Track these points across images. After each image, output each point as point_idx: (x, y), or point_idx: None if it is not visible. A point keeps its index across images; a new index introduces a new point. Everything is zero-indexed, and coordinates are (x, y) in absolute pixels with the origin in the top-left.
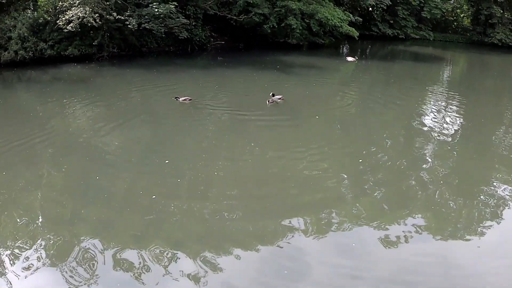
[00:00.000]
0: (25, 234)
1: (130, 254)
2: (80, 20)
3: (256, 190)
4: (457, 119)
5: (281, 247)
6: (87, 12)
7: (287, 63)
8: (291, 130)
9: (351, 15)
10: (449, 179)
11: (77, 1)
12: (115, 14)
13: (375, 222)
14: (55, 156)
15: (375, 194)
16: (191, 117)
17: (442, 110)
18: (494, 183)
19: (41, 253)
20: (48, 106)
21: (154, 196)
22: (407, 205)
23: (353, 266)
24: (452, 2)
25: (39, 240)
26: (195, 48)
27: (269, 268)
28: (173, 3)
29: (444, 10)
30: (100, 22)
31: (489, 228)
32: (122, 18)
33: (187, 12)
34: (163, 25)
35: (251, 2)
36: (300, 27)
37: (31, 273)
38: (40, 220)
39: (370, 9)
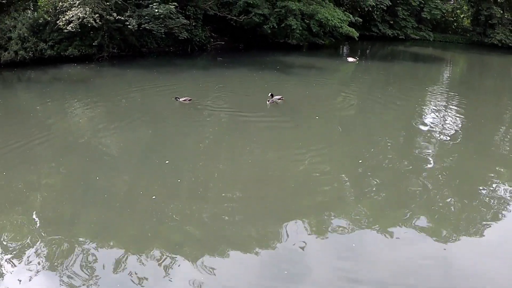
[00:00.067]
0: (25, 234)
1: (129, 256)
2: (80, 20)
3: (256, 191)
4: (457, 119)
5: (281, 250)
6: (87, 12)
7: (287, 63)
8: (291, 130)
9: (351, 16)
10: (449, 179)
11: (77, 2)
12: (115, 14)
13: (375, 223)
14: (55, 157)
15: (375, 195)
16: (191, 117)
17: (442, 110)
18: (494, 183)
19: (40, 254)
20: (48, 107)
21: (154, 197)
22: (407, 205)
23: (353, 268)
24: (452, 2)
25: (39, 241)
26: (195, 48)
27: (268, 271)
28: (173, 3)
29: (444, 11)
30: (100, 23)
31: (489, 228)
32: (122, 18)
33: (187, 13)
34: (163, 25)
35: (251, 2)
36: (300, 28)
37: (30, 274)
38: (40, 221)
39: (370, 9)
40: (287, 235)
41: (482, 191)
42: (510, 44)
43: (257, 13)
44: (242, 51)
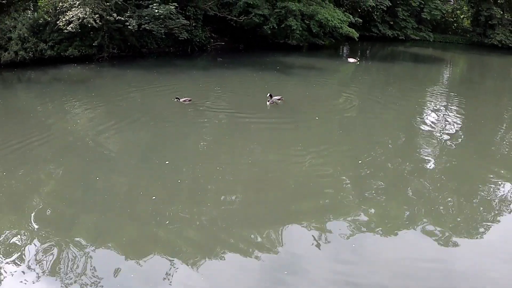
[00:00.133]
0: (24, 235)
1: (129, 260)
2: (80, 20)
3: (256, 192)
4: (457, 119)
5: (281, 253)
6: (87, 13)
7: (287, 64)
8: (291, 131)
9: (351, 16)
10: (449, 180)
11: (77, 2)
12: (115, 15)
13: (376, 224)
14: (55, 157)
15: (376, 196)
16: (191, 118)
17: (442, 110)
18: (495, 184)
19: (39, 256)
20: (48, 107)
21: (154, 197)
22: (407, 206)
23: (353, 270)
24: (452, 3)
25: (38, 243)
26: (195, 49)
27: (268, 274)
28: (173, 4)
29: (444, 11)
30: (100, 23)
31: (490, 229)
32: (122, 19)
33: (187, 13)
34: (163, 26)
35: (251, 3)
36: (300, 28)
37: (29, 275)
38: (40, 222)
39: (370, 9)
40: (287, 238)
41: (482, 191)
42: (510, 45)
43: (257, 13)
44: (242, 51)
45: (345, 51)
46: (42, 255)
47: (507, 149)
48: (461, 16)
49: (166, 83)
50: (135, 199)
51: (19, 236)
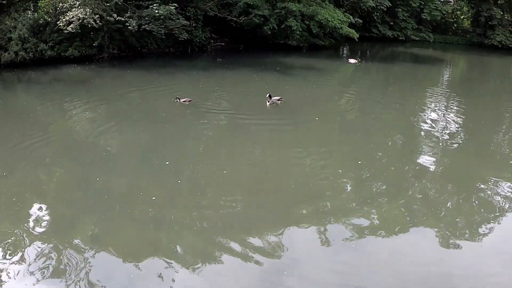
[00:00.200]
0: (24, 236)
1: (128, 262)
2: (80, 21)
3: (256, 194)
4: (457, 120)
5: (280, 255)
6: (88, 13)
7: (287, 64)
8: (291, 132)
9: (351, 17)
10: (449, 180)
11: (78, 2)
12: (115, 15)
13: (376, 225)
14: (55, 157)
15: (376, 198)
16: (191, 118)
17: (442, 111)
18: (495, 184)
19: (38, 258)
20: (48, 107)
21: (154, 198)
22: (407, 207)
23: (353, 271)
24: (452, 3)
25: (37, 245)
26: (195, 49)
27: (268, 276)
28: (173, 4)
29: (444, 12)
30: (100, 23)
31: (490, 229)
32: (122, 19)
33: (187, 14)
34: (163, 26)
35: (251, 3)
36: (300, 29)
37: (27, 277)
38: (39, 223)
39: (370, 10)
40: (287, 239)
41: (483, 192)
42: (510, 45)
43: (257, 14)
44: (242, 52)
45: (345, 51)
46: (41, 257)
47: (507, 150)
48: (461, 17)
49: (166, 84)
50: (135, 199)
51: (18, 237)
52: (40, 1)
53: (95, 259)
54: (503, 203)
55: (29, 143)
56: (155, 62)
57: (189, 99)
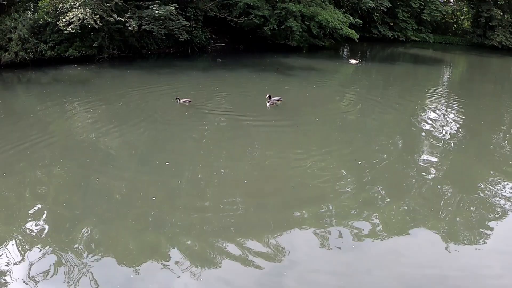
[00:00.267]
0: (23, 238)
1: (128, 266)
2: (80, 21)
3: (255, 196)
4: (457, 120)
5: (280, 257)
6: (88, 13)
7: (287, 65)
8: (292, 133)
9: (351, 17)
10: (450, 181)
11: (78, 3)
12: (115, 15)
13: (376, 226)
14: (55, 158)
15: (376, 200)
16: (191, 118)
17: (442, 112)
18: (495, 184)
19: (38, 260)
20: (48, 108)
21: (153, 198)
22: (407, 207)
23: (353, 272)
24: (452, 4)
25: (37, 246)
26: (195, 50)
27: (268, 277)
28: (174, 5)
29: (444, 13)
30: (100, 24)
31: (490, 231)
32: (123, 19)
33: (187, 14)
34: (163, 27)
35: (252, 4)
36: (300, 29)
37: (29, 278)
38: (39, 224)
39: (370, 11)
40: (287, 241)
41: (483, 193)
42: (510, 46)
43: (257, 14)
44: (242, 52)
45: (345, 52)
46: (40, 258)
47: (507, 150)
48: (461, 18)
49: (166, 84)
50: (135, 200)
51: (17, 238)
52: (40, 2)
53: (94, 261)
54: (504, 205)
55: (29, 143)
56: (155, 62)
57: (189, 100)
